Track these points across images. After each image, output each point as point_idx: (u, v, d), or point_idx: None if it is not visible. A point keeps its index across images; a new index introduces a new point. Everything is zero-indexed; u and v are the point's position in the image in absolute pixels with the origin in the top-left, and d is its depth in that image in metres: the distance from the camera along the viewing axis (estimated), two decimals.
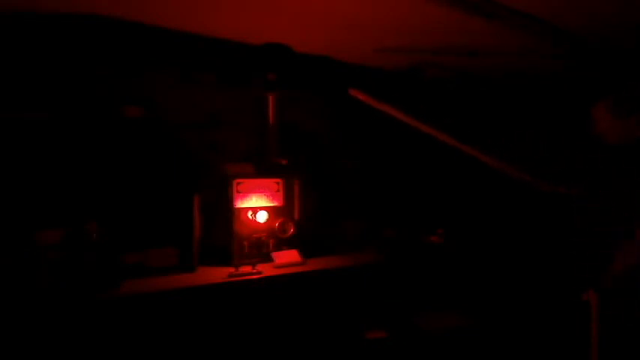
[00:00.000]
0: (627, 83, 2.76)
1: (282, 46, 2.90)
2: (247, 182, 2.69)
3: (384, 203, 3.78)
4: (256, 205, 2.71)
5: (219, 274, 2.38)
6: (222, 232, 2.67)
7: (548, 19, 2.48)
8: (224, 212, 2.66)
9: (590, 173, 2.49)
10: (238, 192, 2.66)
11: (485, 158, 2.86)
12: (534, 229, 3.19)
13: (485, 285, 3.19)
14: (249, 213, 2.68)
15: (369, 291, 2.74)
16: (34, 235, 2.10)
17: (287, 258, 2.65)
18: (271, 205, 2.77)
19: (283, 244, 2.75)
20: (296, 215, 2.85)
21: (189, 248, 2.46)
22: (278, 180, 2.81)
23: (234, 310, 2.28)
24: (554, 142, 2.72)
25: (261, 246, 2.69)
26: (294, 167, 2.96)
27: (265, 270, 2.47)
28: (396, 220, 3.52)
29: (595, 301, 2.38)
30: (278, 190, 2.81)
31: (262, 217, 2.70)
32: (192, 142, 2.88)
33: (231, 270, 2.39)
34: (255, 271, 2.41)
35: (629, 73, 3.20)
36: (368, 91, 3.35)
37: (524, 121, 3.94)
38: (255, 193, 2.72)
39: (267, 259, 2.64)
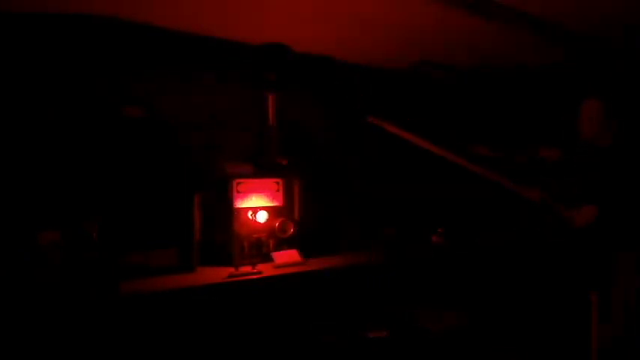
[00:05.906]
0: (616, 85, 2.78)
1: (281, 45, 2.90)
2: (247, 182, 2.69)
3: (384, 203, 3.77)
4: (256, 205, 2.71)
5: (219, 274, 2.38)
6: (222, 232, 2.67)
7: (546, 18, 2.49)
8: (224, 212, 2.66)
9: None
10: (238, 192, 2.66)
11: (479, 169, 2.89)
12: (534, 229, 3.19)
13: (486, 284, 3.19)
14: (249, 213, 2.68)
15: (370, 290, 2.74)
16: (35, 235, 2.10)
17: (287, 258, 2.65)
18: (271, 205, 2.77)
19: (283, 244, 2.75)
20: (296, 215, 2.85)
21: (189, 248, 2.47)
22: (278, 180, 2.81)
23: (234, 311, 2.28)
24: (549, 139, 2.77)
25: (261, 246, 2.68)
26: (294, 167, 2.96)
27: (265, 270, 2.47)
28: (396, 220, 3.52)
29: (595, 301, 2.38)
30: (278, 190, 2.80)
31: (262, 217, 2.70)
32: (192, 142, 2.88)
33: (231, 270, 2.38)
34: (255, 271, 2.41)
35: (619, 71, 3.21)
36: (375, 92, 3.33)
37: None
38: (255, 193, 2.71)
39: (267, 259, 2.63)
